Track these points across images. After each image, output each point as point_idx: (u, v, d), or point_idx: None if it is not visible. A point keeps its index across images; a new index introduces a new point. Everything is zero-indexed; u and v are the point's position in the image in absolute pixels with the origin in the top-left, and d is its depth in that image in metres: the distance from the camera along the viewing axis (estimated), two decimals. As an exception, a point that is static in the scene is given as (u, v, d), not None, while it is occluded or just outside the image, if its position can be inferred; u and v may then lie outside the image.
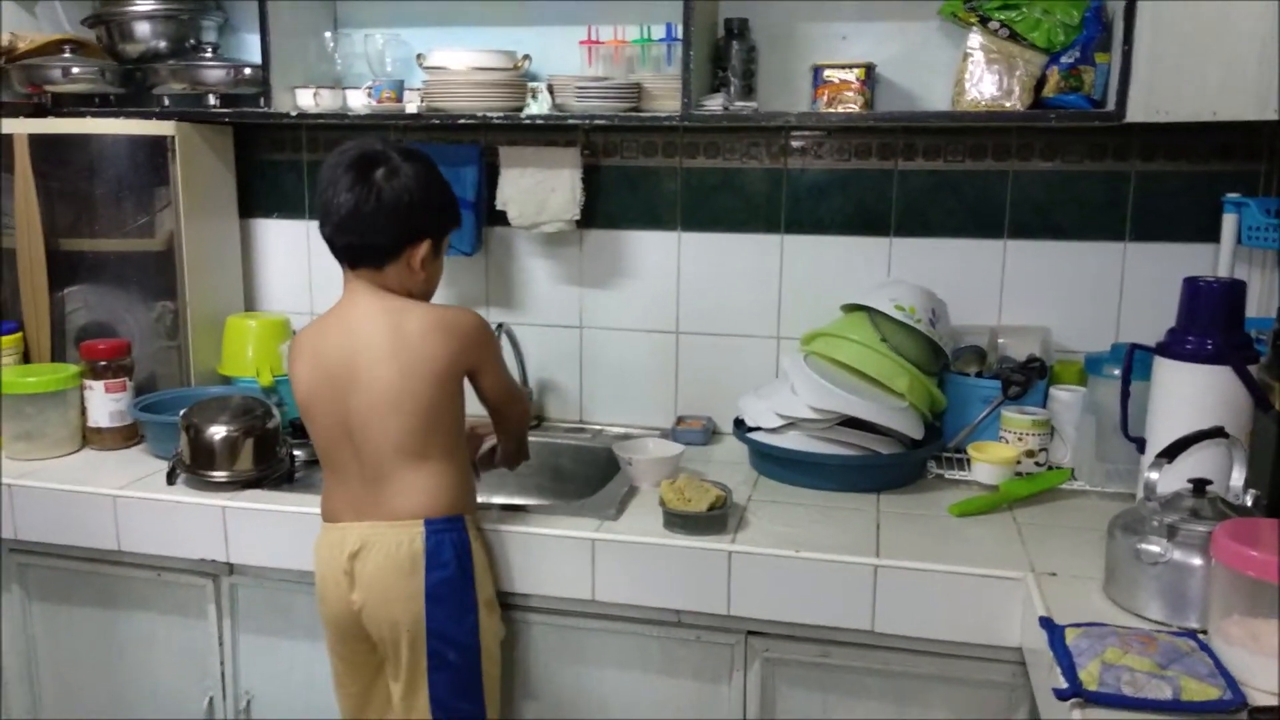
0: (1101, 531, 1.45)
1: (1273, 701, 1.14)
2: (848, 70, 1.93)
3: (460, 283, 2.34)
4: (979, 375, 1.99)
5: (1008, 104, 1.86)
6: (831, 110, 1.93)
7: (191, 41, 2.26)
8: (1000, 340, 2.03)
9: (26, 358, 2.22)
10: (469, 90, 2.03)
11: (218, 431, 1.85)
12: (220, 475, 1.84)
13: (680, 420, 2.22)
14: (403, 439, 1.53)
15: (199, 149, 2.24)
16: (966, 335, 2.05)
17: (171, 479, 1.87)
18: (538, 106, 2.10)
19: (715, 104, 1.96)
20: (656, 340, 2.27)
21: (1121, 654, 1.19)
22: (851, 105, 1.93)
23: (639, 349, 2.28)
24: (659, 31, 2.09)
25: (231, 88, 2.22)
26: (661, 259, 2.23)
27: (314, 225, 1.59)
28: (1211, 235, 1.90)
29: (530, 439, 2.14)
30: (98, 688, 1.99)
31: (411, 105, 2.12)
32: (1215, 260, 1.89)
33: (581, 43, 2.14)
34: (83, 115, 2.24)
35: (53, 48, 2.24)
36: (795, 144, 2.13)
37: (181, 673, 1.92)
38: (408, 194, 1.53)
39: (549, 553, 1.66)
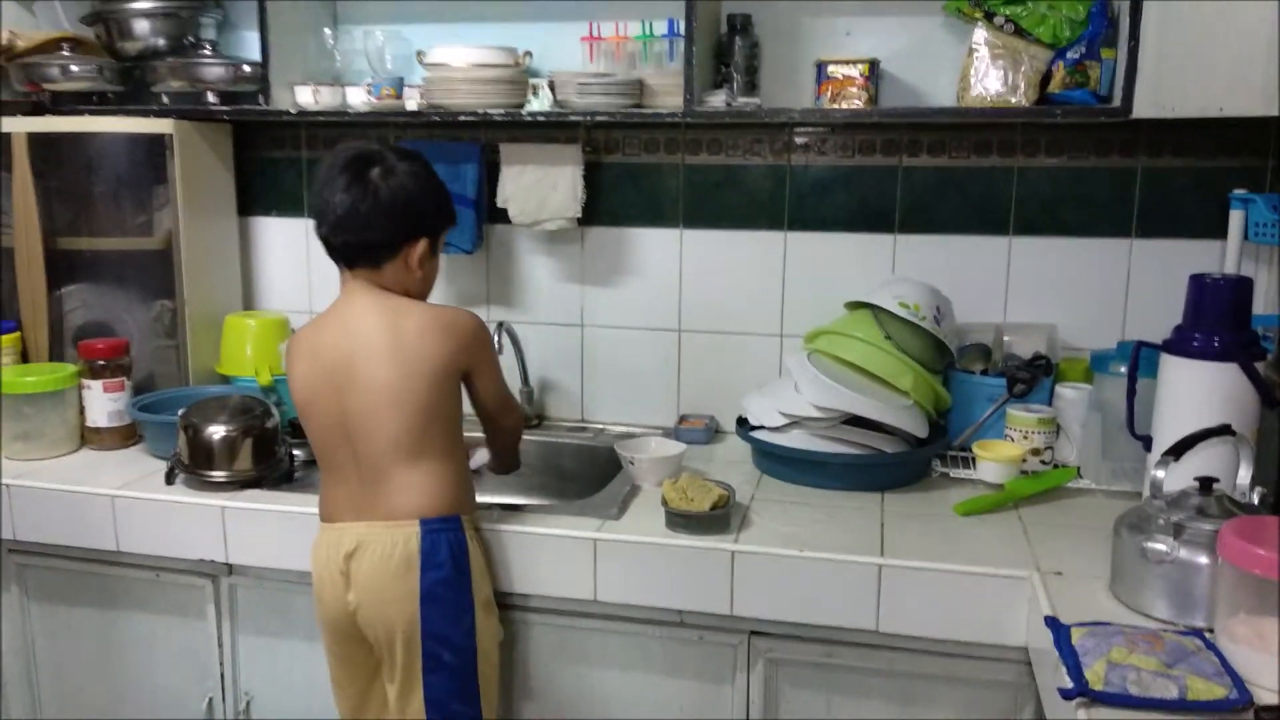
0: (1107, 530, 1.44)
1: (1279, 700, 1.13)
2: (852, 66, 1.92)
3: (460, 281, 2.33)
4: (984, 373, 1.98)
5: (1013, 100, 1.85)
6: (835, 107, 1.92)
7: (190, 39, 2.25)
8: (1005, 338, 2.02)
9: (24, 357, 2.21)
10: (469, 87, 2.02)
11: (216, 431, 1.84)
12: (219, 475, 1.83)
13: (683, 419, 2.21)
14: (400, 437, 1.52)
15: (198, 147, 2.23)
16: (971, 333, 2.04)
17: (170, 479, 1.86)
18: (539, 103, 2.09)
19: (718, 100, 1.95)
20: (659, 338, 2.25)
21: (1127, 653, 1.18)
22: (855, 101, 1.91)
23: (641, 347, 2.26)
24: (661, 27, 2.08)
25: (231, 85, 2.21)
26: (663, 257, 2.22)
27: (313, 224, 1.59)
28: (1218, 232, 1.89)
29: (532, 438, 2.13)
30: (97, 688, 1.98)
31: (412, 102, 2.11)
32: (1222, 257, 1.88)
33: (583, 39, 2.13)
34: (81, 113, 2.23)
35: (51, 46, 2.23)
36: (799, 140, 2.12)
37: (180, 673, 1.92)
38: (404, 193, 1.53)
39: (550, 553, 1.65)
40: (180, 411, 1.90)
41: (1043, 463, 1.85)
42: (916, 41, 2.02)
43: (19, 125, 2.16)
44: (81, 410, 2.07)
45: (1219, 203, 1.89)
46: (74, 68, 2.20)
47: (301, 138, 2.38)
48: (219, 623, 1.87)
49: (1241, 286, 1.54)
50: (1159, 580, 1.33)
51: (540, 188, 2.16)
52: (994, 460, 1.80)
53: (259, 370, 2.19)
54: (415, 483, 1.53)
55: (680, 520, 1.63)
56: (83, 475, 1.92)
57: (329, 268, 1.63)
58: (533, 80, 2.10)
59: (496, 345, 2.06)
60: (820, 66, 1.94)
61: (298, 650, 1.83)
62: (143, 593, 1.90)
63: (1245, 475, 1.42)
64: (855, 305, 1.99)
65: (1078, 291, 2.04)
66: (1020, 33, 1.86)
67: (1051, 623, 1.31)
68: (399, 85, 2.11)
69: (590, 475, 2.10)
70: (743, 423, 1.99)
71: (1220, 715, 1.11)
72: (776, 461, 1.90)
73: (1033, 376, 1.91)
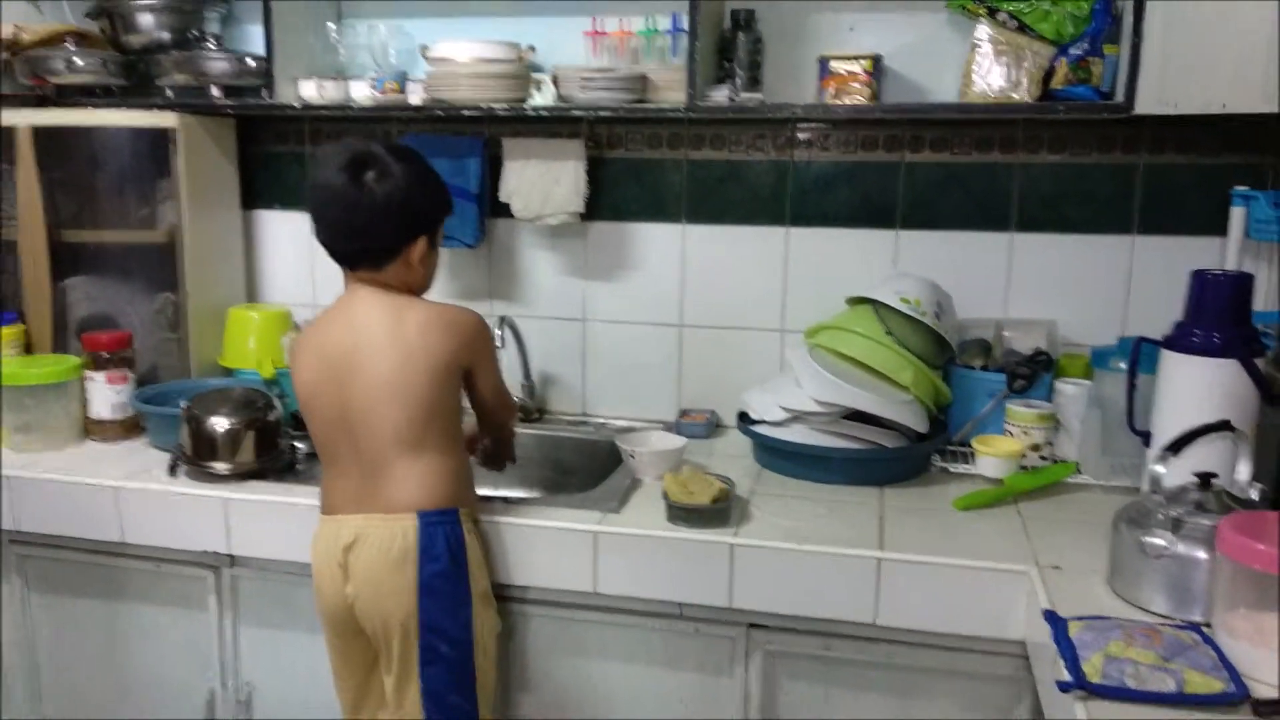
0: (1106, 525, 1.44)
1: (1276, 694, 1.13)
2: (854, 62, 1.92)
3: (463, 275, 2.33)
4: (984, 368, 1.98)
5: (1015, 96, 1.85)
6: (838, 102, 1.92)
7: (194, 33, 2.26)
8: (1006, 333, 2.02)
9: (28, 349, 2.22)
10: (473, 82, 2.03)
11: (219, 423, 1.84)
12: (222, 467, 1.84)
13: (684, 413, 2.21)
14: (401, 429, 1.53)
15: (202, 140, 2.24)
16: (972, 328, 2.04)
17: (173, 471, 1.87)
18: (542, 98, 2.09)
19: (721, 95, 1.95)
20: (660, 333, 2.26)
21: (1125, 647, 1.18)
22: (858, 97, 1.91)
23: (643, 342, 2.27)
24: (664, 22, 2.08)
25: (235, 79, 2.21)
26: (666, 251, 2.22)
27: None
28: (1219, 229, 1.89)
29: (533, 431, 2.14)
30: (98, 679, 1.99)
31: (415, 97, 2.11)
32: (1223, 253, 1.88)
33: (586, 34, 2.13)
34: (85, 107, 2.24)
35: (56, 39, 2.23)
36: (801, 136, 2.12)
37: (182, 665, 1.92)
38: (399, 194, 1.52)
39: (551, 545, 1.66)
40: (183, 404, 1.91)
41: (1042, 458, 1.86)
42: (920, 37, 2.02)
43: (24, 118, 2.17)
44: (84, 402, 2.08)
45: (1220, 199, 1.88)
46: (79, 61, 2.21)
47: (305, 132, 2.38)
48: (221, 614, 1.88)
49: (1242, 283, 1.54)
50: (1157, 575, 1.33)
51: (543, 182, 2.16)
52: (994, 455, 1.80)
53: (262, 363, 2.20)
54: (415, 476, 1.54)
55: (681, 513, 1.64)
56: (86, 467, 1.93)
57: (332, 262, 1.63)
58: (536, 75, 2.11)
59: (499, 340, 2.07)
60: (823, 62, 1.95)
61: (299, 642, 1.83)
62: (145, 584, 1.91)
63: (1244, 471, 1.42)
64: (856, 300, 1.99)
65: (1079, 287, 2.04)
66: (1023, 29, 1.86)
67: (1050, 616, 1.31)
68: (402, 80, 2.12)
69: (591, 469, 2.10)
70: (744, 417, 2.00)
71: (1217, 709, 1.11)
72: (777, 456, 1.91)
73: (1033, 372, 1.91)
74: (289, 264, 2.44)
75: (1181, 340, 1.55)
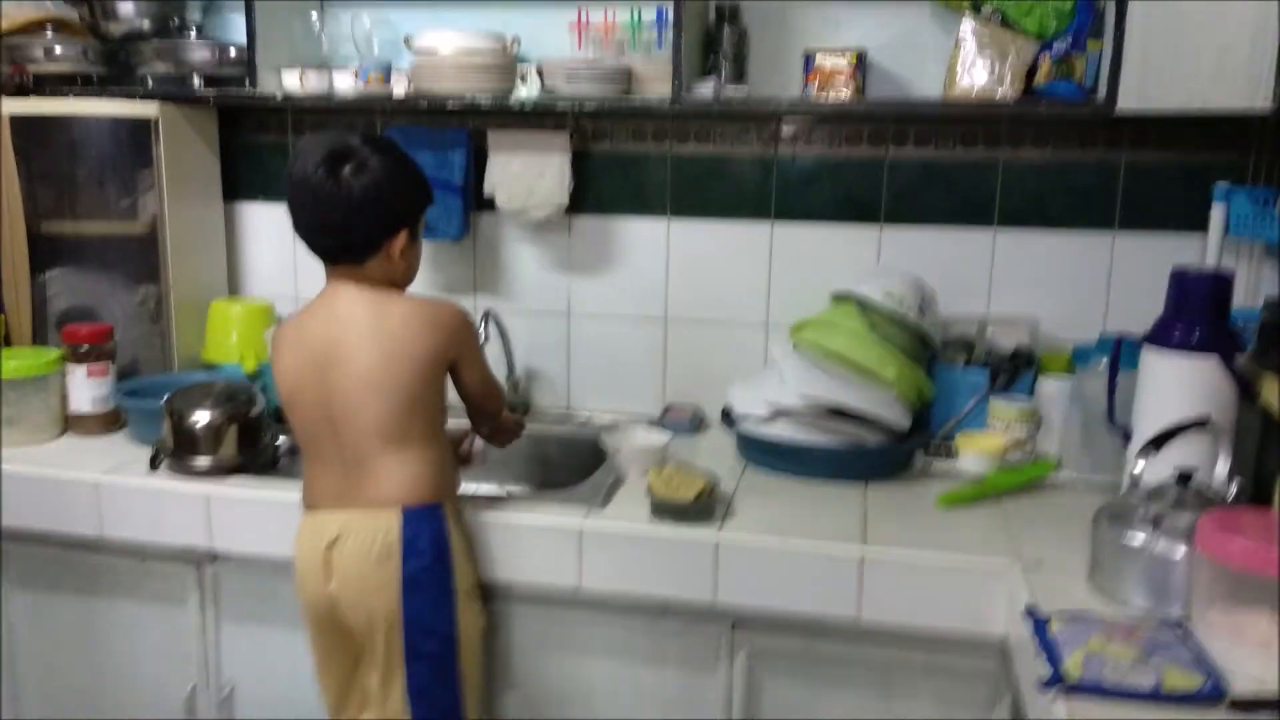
0: (1087, 522, 1.45)
1: (1254, 690, 1.14)
2: (839, 56, 1.92)
3: (447, 268, 2.32)
4: (967, 365, 1.99)
5: (999, 91, 1.85)
6: (822, 97, 1.92)
7: (176, 21, 2.24)
8: (989, 330, 2.03)
9: (7, 341, 2.20)
10: (457, 73, 2.01)
11: (201, 417, 1.83)
12: (203, 462, 1.83)
13: (668, 409, 2.21)
14: (383, 422, 1.52)
15: (183, 130, 2.22)
16: (955, 325, 2.05)
17: (154, 465, 1.85)
18: (527, 90, 2.08)
19: (706, 88, 1.94)
20: (645, 327, 2.26)
21: (1105, 643, 1.19)
22: (843, 91, 1.91)
23: (627, 336, 2.27)
24: (649, 15, 2.07)
25: (216, 69, 2.19)
26: (650, 245, 2.22)
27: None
28: (1200, 225, 1.89)
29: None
30: (78, 675, 1.98)
31: (399, 88, 2.09)
32: (1204, 250, 1.89)
33: (571, 25, 2.12)
34: (65, 96, 2.21)
35: (34, 27, 2.21)
36: (786, 130, 2.12)
37: (163, 661, 1.91)
38: (376, 189, 1.50)
39: (535, 542, 1.66)
40: (165, 397, 1.89)
41: (1024, 455, 1.87)
42: (904, 32, 2.02)
43: (2, 107, 2.14)
44: (64, 396, 2.06)
45: (1201, 196, 1.89)
46: (58, 49, 2.18)
47: (288, 122, 2.36)
48: (202, 610, 1.87)
49: (1222, 280, 1.55)
50: (1137, 571, 1.34)
51: (528, 175, 2.16)
52: (976, 452, 1.81)
53: (244, 356, 2.18)
54: (397, 470, 1.53)
55: (665, 510, 1.64)
56: (65, 461, 1.91)
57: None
58: (521, 66, 2.09)
59: (482, 334, 2.06)
60: (808, 56, 1.94)
61: (281, 638, 1.82)
62: (125, 580, 1.89)
63: (1223, 467, 1.43)
64: (840, 296, 1.99)
65: (1061, 284, 2.05)
66: (1007, 24, 1.87)
67: (1031, 613, 1.32)
68: (386, 70, 2.10)
69: (575, 464, 2.10)
70: (728, 413, 2.00)
71: (1196, 705, 1.12)
72: (761, 452, 1.91)
73: (1015, 369, 1.92)
74: (271, 256, 2.42)
75: (1161, 336, 1.55)
